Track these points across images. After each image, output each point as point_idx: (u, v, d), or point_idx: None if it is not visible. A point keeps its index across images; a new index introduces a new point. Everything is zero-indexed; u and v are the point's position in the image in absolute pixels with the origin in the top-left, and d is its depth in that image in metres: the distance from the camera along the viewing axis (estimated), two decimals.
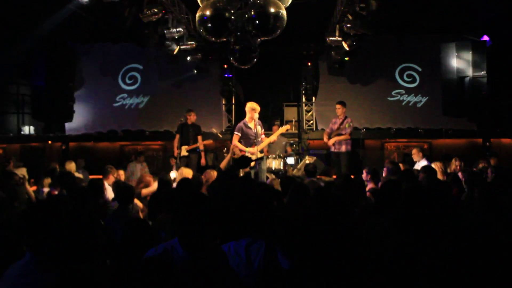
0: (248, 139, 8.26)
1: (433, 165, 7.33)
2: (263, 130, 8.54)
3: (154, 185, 6.53)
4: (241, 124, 8.38)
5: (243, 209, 3.40)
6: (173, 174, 7.66)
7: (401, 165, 9.69)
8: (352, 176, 9.35)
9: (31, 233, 2.43)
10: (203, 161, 10.57)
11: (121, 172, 8.10)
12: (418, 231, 3.36)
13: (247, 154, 7.94)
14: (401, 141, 13.72)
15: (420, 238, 3.27)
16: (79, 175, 8.18)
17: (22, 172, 7.72)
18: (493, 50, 12.14)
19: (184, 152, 10.20)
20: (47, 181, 7.50)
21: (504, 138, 12.87)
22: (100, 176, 7.64)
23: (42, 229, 2.43)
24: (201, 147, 10.44)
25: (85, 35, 13.16)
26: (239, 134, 8.23)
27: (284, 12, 6.34)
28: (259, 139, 8.17)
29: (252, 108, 8.22)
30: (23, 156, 12.41)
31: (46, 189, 7.16)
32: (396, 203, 4.12)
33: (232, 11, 6.39)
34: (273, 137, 8.53)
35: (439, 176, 7.02)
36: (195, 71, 12.81)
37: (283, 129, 8.84)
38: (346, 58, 11.07)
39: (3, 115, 12.43)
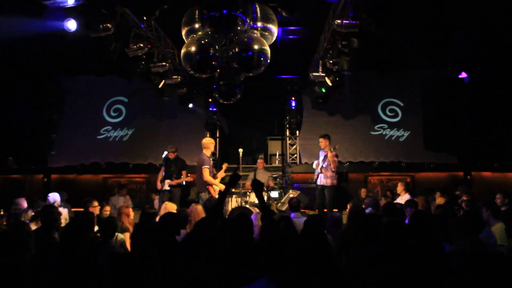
0: (211, 173, 8.99)
1: (416, 200, 7.42)
2: None
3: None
4: (206, 158, 9.05)
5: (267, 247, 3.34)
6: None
7: (383, 199, 9.81)
8: (335, 210, 9.50)
9: None
10: None
11: (107, 208, 8.06)
12: (399, 265, 3.37)
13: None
14: (384, 174, 13.86)
15: (401, 272, 3.28)
16: (62, 209, 8.07)
17: None
18: (472, 86, 12.47)
19: (166, 187, 10.16)
20: (30, 214, 7.40)
21: (484, 171, 13.09)
22: (83, 209, 7.59)
23: None
24: (181, 181, 10.41)
25: (71, 67, 13.20)
26: (208, 167, 8.60)
27: (267, 49, 6.47)
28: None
29: (212, 143, 9.41)
30: (3, 188, 12.26)
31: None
32: (376, 237, 4.14)
33: (217, 48, 6.50)
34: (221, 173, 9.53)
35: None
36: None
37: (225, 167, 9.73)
38: (323, 89, 11.19)
39: None
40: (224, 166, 9.69)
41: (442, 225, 6.07)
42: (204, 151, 9.17)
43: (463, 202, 8.00)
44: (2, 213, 8.04)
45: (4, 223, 6.67)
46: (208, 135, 13.13)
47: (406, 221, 6.07)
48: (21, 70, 12.54)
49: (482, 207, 6.37)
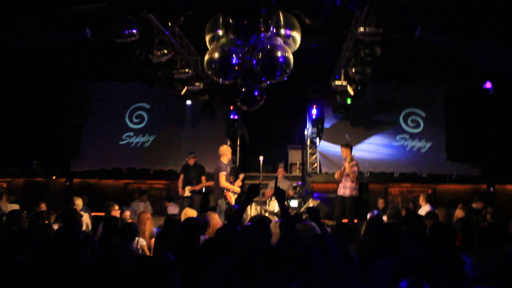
0: (227, 180, 9.02)
1: (436, 211, 7.30)
2: None
3: None
4: (222, 165, 9.13)
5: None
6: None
7: (403, 210, 9.67)
8: (355, 221, 9.41)
9: None
10: None
11: (127, 213, 8.15)
12: (418, 276, 3.31)
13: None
14: (405, 185, 13.68)
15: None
16: (84, 213, 8.17)
17: (15, 208, 7.71)
18: (497, 97, 12.27)
19: (187, 193, 10.24)
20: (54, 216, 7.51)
21: (509, 184, 12.82)
22: (103, 214, 7.69)
23: None
24: (202, 187, 10.50)
25: (95, 73, 13.42)
26: (225, 174, 8.62)
27: (290, 56, 6.47)
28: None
29: (229, 151, 9.47)
30: (26, 190, 12.46)
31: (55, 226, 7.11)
32: (396, 247, 4.09)
33: (240, 54, 6.52)
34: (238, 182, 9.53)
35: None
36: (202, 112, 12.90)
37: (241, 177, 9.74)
38: (349, 101, 11.14)
39: (9, 148, 12.49)
40: (241, 176, 9.72)
41: (465, 237, 5.96)
42: (221, 158, 9.24)
43: (487, 214, 7.81)
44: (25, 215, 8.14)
45: (26, 224, 6.76)
46: (228, 143, 13.16)
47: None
48: (47, 75, 12.79)
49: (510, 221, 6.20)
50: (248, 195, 4.44)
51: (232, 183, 9.40)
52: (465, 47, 9.35)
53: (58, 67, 12.65)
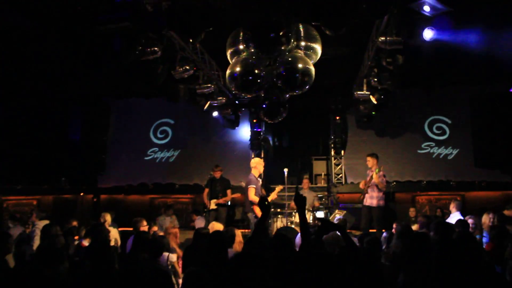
0: (257, 193, 8.86)
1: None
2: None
3: None
4: (253, 177, 9.00)
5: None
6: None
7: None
8: (383, 230, 9.29)
9: None
10: None
11: (155, 228, 8.26)
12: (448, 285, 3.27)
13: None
14: (432, 194, 13.48)
15: None
16: (112, 228, 8.29)
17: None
18: None
19: (213, 206, 10.28)
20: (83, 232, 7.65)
21: None
22: (131, 229, 7.78)
23: None
24: (228, 200, 10.54)
25: (119, 90, 13.67)
26: (255, 187, 8.57)
27: (312, 68, 6.48)
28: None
29: (261, 164, 9.26)
30: (56, 207, 12.71)
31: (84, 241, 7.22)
32: (425, 256, 4.05)
33: (261, 68, 6.56)
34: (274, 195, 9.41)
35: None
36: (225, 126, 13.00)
37: (278, 189, 9.54)
38: (373, 113, 11.10)
39: (39, 167, 12.77)
40: (278, 188, 9.62)
41: (497, 246, 5.83)
42: (253, 171, 9.19)
43: None
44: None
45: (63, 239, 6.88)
46: (253, 156, 13.18)
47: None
48: (73, 94, 13.08)
49: None
50: (263, 212, 4.45)
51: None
52: (489, 51, 9.23)
53: (83, 85, 12.94)
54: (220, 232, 5.08)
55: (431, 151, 12.99)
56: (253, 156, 13.06)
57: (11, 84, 11.06)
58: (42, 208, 11.42)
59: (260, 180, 9.35)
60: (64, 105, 13.05)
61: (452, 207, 8.96)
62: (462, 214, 8.65)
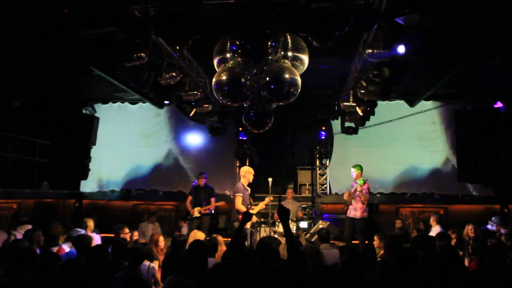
0: (245, 202, 8.83)
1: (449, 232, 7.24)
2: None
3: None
4: (240, 186, 8.99)
5: None
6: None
7: (415, 231, 9.56)
8: (366, 242, 9.30)
9: None
10: None
11: (135, 233, 8.16)
12: None
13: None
14: (416, 206, 13.53)
15: None
16: (93, 234, 8.15)
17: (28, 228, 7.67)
18: (508, 116, 12.14)
19: (196, 214, 10.21)
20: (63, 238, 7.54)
21: None
22: (112, 235, 7.68)
23: None
24: (211, 208, 10.48)
25: (105, 95, 13.56)
26: (242, 196, 8.53)
27: (298, 79, 6.46)
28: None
29: (250, 172, 9.17)
30: (36, 211, 12.50)
31: (65, 246, 7.09)
32: (412, 272, 4.06)
33: (248, 77, 6.53)
34: (261, 206, 9.48)
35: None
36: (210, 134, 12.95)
37: (267, 200, 9.56)
38: (357, 125, 11.16)
39: (20, 170, 12.56)
40: (267, 199, 9.63)
41: (479, 260, 5.87)
42: (242, 179, 9.18)
43: (502, 235, 7.70)
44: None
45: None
46: (237, 164, 13.15)
47: None
48: (57, 98, 12.94)
49: None
50: (242, 221, 4.48)
51: (251, 205, 9.32)
52: (474, 67, 9.35)
53: (67, 90, 12.82)
54: (200, 242, 5.01)
55: (416, 163, 13.07)
56: (238, 164, 13.04)
57: None
58: (22, 213, 11.23)
59: (249, 189, 9.31)
60: (48, 109, 12.87)
61: (432, 220, 9.03)
62: (443, 228, 8.72)
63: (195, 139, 13.48)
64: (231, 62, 6.72)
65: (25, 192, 12.01)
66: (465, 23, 7.68)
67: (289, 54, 6.67)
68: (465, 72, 10.19)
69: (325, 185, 13.28)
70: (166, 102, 10.31)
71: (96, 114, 13.94)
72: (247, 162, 13.32)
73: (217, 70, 6.94)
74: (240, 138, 12.78)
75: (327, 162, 13.27)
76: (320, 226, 9.85)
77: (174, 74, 8.49)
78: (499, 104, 12.40)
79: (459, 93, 12.27)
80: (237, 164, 13.37)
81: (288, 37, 6.66)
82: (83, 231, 7.76)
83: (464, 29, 7.93)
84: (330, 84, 11.46)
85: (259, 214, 10.27)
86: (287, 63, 6.61)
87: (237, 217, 8.83)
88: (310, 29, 5.55)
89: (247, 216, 4.57)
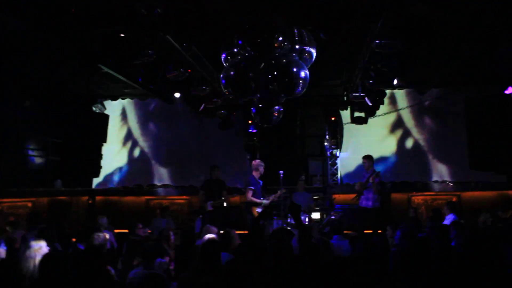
0: (257, 195, 8.87)
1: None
2: None
3: None
4: (252, 179, 9.08)
5: None
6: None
7: (427, 219, 9.53)
8: (379, 231, 9.30)
9: None
10: None
11: (149, 231, 8.28)
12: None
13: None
14: (428, 194, 13.48)
15: None
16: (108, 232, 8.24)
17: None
18: None
19: (209, 207, 10.24)
20: None
21: None
22: (127, 230, 7.78)
23: None
24: (224, 201, 10.50)
25: (114, 92, 13.62)
26: (254, 189, 8.53)
27: (307, 72, 6.45)
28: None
29: (261, 165, 9.17)
30: (50, 209, 12.66)
31: None
32: (425, 261, 4.07)
33: (256, 71, 6.51)
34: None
35: None
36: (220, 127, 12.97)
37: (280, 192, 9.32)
38: (367, 115, 11.10)
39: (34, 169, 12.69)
40: (280, 192, 9.51)
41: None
42: (253, 173, 9.19)
43: None
44: None
45: None
46: (248, 157, 13.18)
47: (453, 243, 5.90)
48: (68, 97, 13.00)
49: None
50: (293, 214, 4.49)
51: (264, 198, 9.29)
52: (484, 53, 9.25)
53: (77, 88, 12.87)
54: (213, 240, 5.04)
55: (427, 151, 13.02)
56: (248, 157, 13.08)
57: (4, 85, 10.98)
58: (36, 210, 11.39)
59: (260, 182, 9.31)
60: (59, 107, 12.96)
61: (445, 209, 8.99)
62: (457, 216, 8.69)
63: (204, 133, 13.53)
64: (239, 56, 6.71)
65: (39, 191, 12.16)
66: (474, 9, 7.59)
67: (297, 47, 6.65)
68: (475, 59, 10.08)
69: (336, 176, 13.26)
70: (176, 96, 10.35)
71: (105, 111, 14.02)
72: (258, 154, 13.35)
73: (224, 64, 6.95)
74: (250, 130, 12.80)
75: (338, 152, 13.24)
76: (332, 217, 9.86)
77: (182, 69, 8.52)
78: (510, 90, 12.26)
79: (469, 80, 12.13)
80: (248, 157, 13.38)
81: (295, 30, 6.63)
82: (101, 236, 7.84)
83: (473, 15, 7.83)
84: (338, 75, 11.40)
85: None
86: (295, 56, 6.59)
87: (249, 210, 8.86)
88: (317, 22, 5.54)
89: (294, 207, 4.56)
